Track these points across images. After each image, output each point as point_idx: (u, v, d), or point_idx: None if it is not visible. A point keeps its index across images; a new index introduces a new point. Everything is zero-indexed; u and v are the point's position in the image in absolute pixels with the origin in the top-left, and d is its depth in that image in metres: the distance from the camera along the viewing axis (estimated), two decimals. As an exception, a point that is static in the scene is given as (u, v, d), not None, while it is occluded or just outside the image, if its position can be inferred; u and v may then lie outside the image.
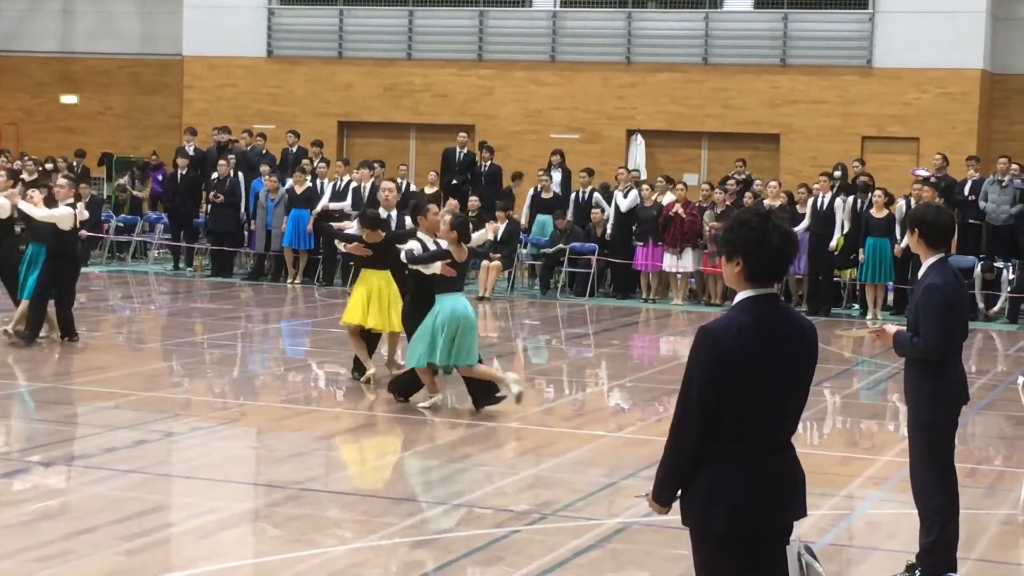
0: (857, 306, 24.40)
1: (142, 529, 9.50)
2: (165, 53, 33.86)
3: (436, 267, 13.96)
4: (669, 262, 24.76)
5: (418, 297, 14.41)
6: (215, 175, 26.91)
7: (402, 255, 14.33)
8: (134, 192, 31.04)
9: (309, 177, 26.34)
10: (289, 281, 25.93)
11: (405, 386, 14.66)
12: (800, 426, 13.85)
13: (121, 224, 29.60)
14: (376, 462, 11.98)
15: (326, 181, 26.18)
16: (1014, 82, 28.99)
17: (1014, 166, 25.04)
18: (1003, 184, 24.54)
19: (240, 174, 26.92)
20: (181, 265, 27.89)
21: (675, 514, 5.67)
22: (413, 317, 14.37)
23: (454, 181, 27.90)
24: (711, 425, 5.44)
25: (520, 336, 21.56)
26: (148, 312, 22.99)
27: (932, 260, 8.60)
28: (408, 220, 15.49)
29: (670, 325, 22.89)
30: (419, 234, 14.58)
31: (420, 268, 14.10)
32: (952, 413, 8.70)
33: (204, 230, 27.55)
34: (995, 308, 23.67)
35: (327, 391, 16.11)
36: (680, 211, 24.52)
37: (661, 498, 5.65)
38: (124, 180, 31.36)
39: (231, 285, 25.55)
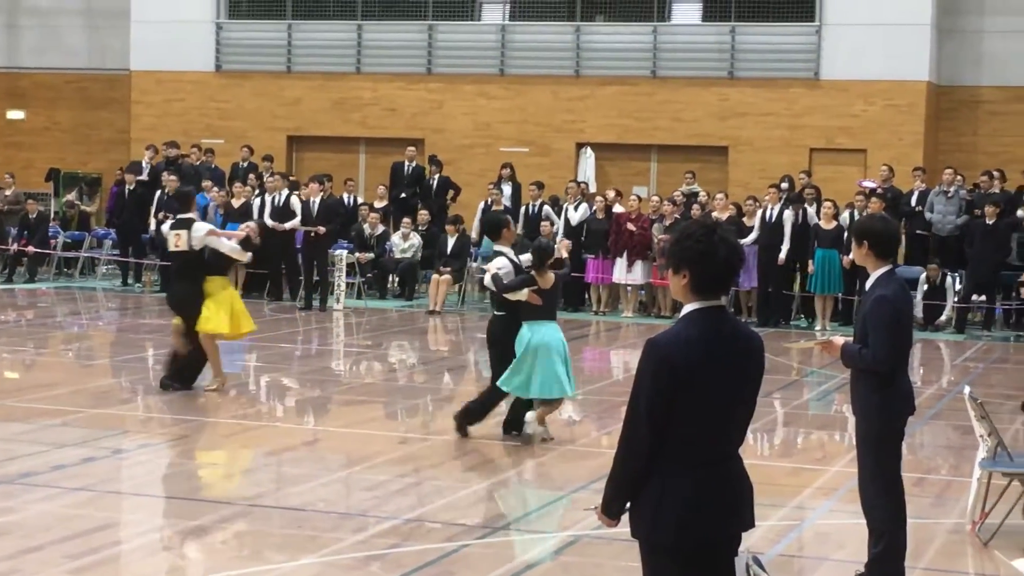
0: (804, 317, 24.48)
1: (90, 547, 9.43)
2: (113, 68, 33.70)
3: (523, 294, 13.26)
4: (619, 274, 24.80)
5: (506, 315, 13.60)
6: (159, 191, 26.76)
7: (487, 279, 13.61)
8: (83, 207, 30.86)
9: (257, 192, 26.25)
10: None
11: (474, 415, 13.84)
12: (750, 437, 13.97)
13: (69, 240, 29.42)
14: (326, 477, 11.94)
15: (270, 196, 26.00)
16: (959, 94, 29.22)
17: (959, 177, 25.24)
18: (949, 195, 24.71)
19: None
20: (130, 281, 27.75)
21: (625, 526, 5.68)
22: (501, 337, 13.61)
23: (403, 195, 27.88)
24: (659, 437, 5.46)
25: (471, 350, 21.53)
26: (96, 328, 22.85)
27: (880, 272, 8.65)
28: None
29: (620, 337, 22.93)
30: (499, 248, 13.76)
31: (504, 294, 13.33)
32: (899, 424, 8.75)
33: (152, 245, 27.41)
34: (941, 318, 23.81)
35: (276, 407, 16.05)
36: (631, 225, 24.56)
37: (610, 511, 5.66)
38: (72, 196, 31.17)
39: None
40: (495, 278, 13.34)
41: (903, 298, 8.76)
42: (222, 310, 15.76)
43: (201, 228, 15.92)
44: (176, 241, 15.85)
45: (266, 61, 31.97)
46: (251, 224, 17.62)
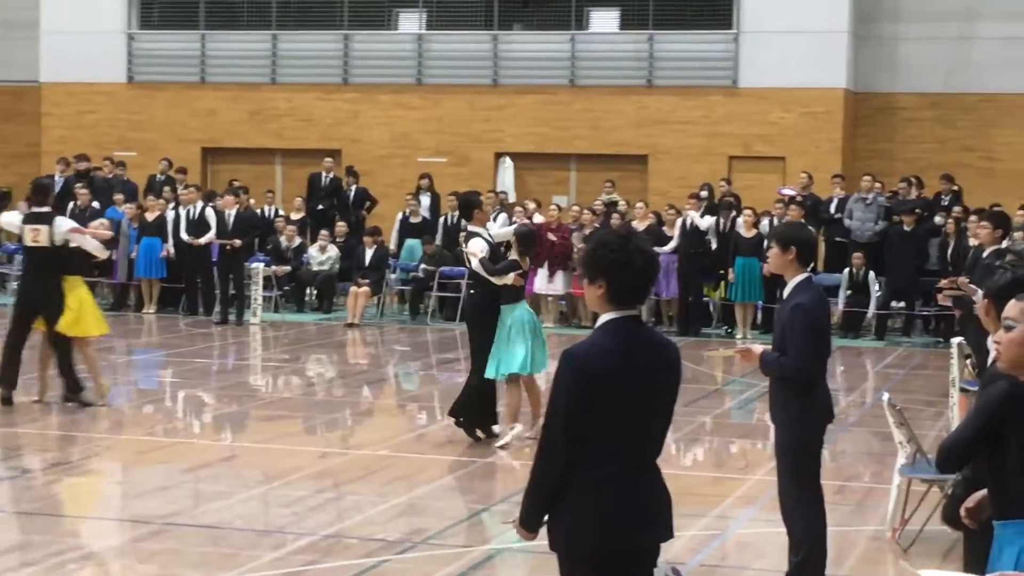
0: (724, 326, 24.62)
1: None
2: (21, 80, 33.33)
3: (509, 278, 13.73)
4: (540, 285, 24.83)
5: (481, 293, 14.07)
6: (73, 204, 26.48)
7: (474, 263, 13.89)
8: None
9: (172, 205, 26.06)
10: (145, 311, 25.62)
11: (473, 415, 14.17)
12: (671, 447, 14.04)
13: (-22, 256, 29.08)
14: (243, 494, 11.87)
15: (185, 209, 25.79)
16: (876, 100, 29.50)
17: (877, 184, 25.48)
18: (867, 202, 24.93)
19: (97, 203, 26.55)
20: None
21: (544, 539, 5.68)
22: (478, 315, 14.05)
23: (320, 207, 27.78)
24: (577, 448, 5.47)
25: (391, 362, 21.50)
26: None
27: (799, 279, 8.71)
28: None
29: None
30: (473, 228, 14.21)
31: (492, 278, 13.76)
32: (818, 432, 8.81)
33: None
34: (868, 313, 23.95)
35: (192, 422, 15.94)
36: (551, 235, 24.60)
37: (528, 524, 5.67)
38: (-19, 210, 30.82)
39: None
40: (483, 263, 13.72)
41: (821, 305, 8.83)
42: (85, 311, 15.49)
43: (64, 224, 15.51)
44: (34, 236, 15.31)
45: (179, 72, 31.76)
46: (103, 220, 17.51)
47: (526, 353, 13.76)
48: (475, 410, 14.22)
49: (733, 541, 10.90)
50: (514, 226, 15.57)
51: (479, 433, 14.20)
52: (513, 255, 13.97)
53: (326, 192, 28.10)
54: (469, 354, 14.48)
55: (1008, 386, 5.43)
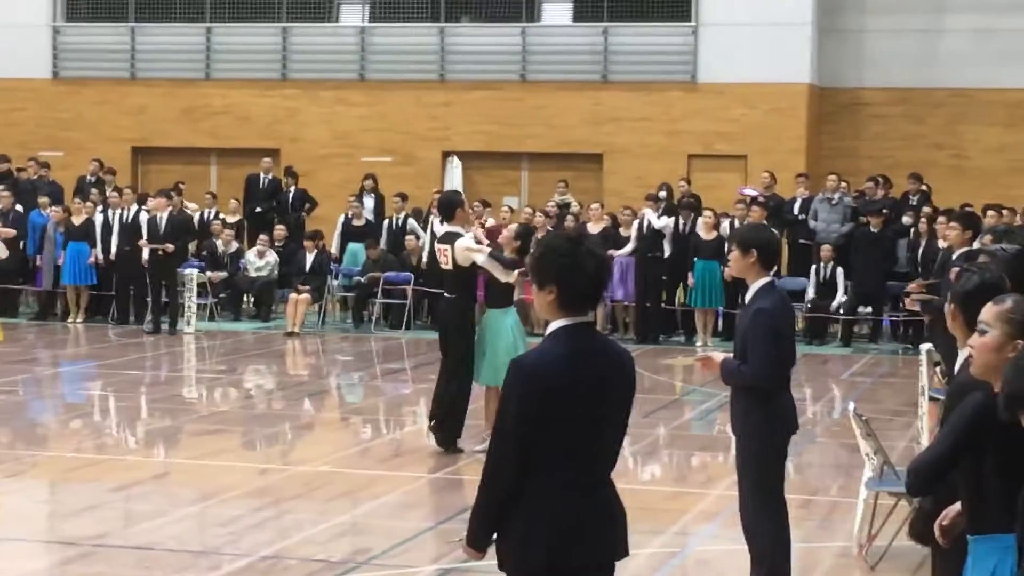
0: (684, 332, 24.68)
1: (-82, 595, 9.25)
2: (-60, 76, 33.09)
3: (513, 275, 13.88)
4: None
5: (459, 298, 14.27)
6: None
7: (479, 257, 13.94)
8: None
9: (100, 208, 25.92)
10: (71, 320, 25.49)
11: (451, 430, 14.27)
12: (628, 460, 14.06)
13: None
14: (177, 513, 11.82)
15: (115, 212, 25.65)
16: (842, 96, 29.65)
17: (843, 183, 25.61)
18: (833, 202, 25.06)
19: (20, 206, 26.40)
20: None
21: (493, 559, 5.68)
22: (456, 321, 14.20)
23: (258, 209, 27.71)
24: (527, 462, 5.48)
25: (333, 373, 21.46)
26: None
27: (761, 283, 8.74)
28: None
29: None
30: (454, 228, 14.36)
31: (497, 274, 13.90)
32: (782, 444, 8.84)
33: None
34: (834, 303, 24.04)
35: (123, 438, 15.86)
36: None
37: (476, 543, 5.66)
38: None
39: (15, 326, 25.03)
40: (494, 255, 13.90)
41: (784, 311, 8.87)
42: None
43: None
44: None
45: (108, 67, 31.61)
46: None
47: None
48: (456, 419, 14.23)
49: (693, 559, 10.93)
50: (475, 229, 15.78)
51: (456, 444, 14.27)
52: (508, 253, 14.16)
53: (264, 194, 28.02)
54: (446, 361, 14.39)
55: (983, 397, 5.45)
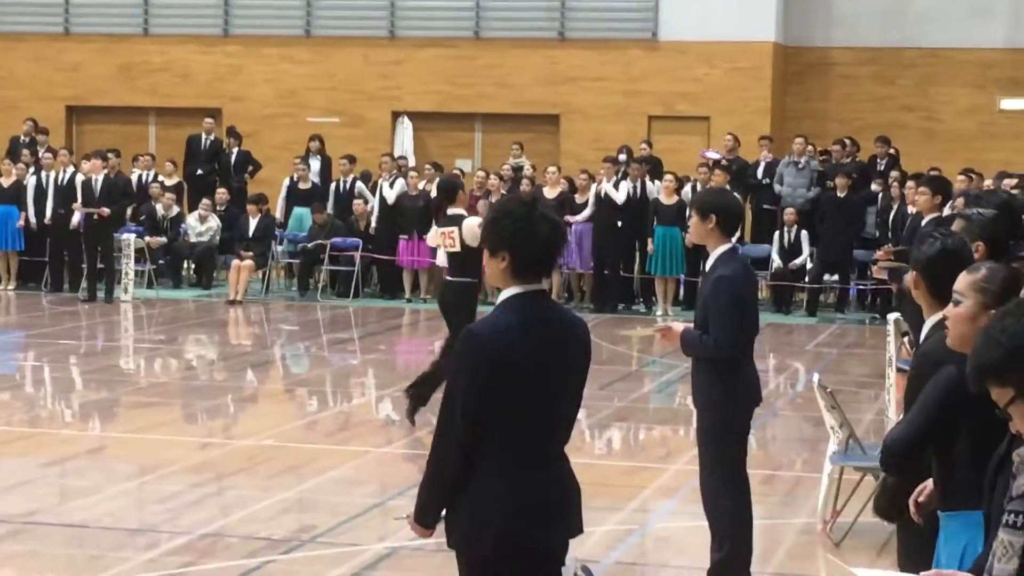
0: (643, 302, 24.72)
1: None
2: None
3: None
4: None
5: (463, 282, 14.55)
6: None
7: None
8: None
9: (32, 170, 25.74)
10: (2, 287, 25.33)
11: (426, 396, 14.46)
12: (584, 434, 14.11)
13: None
14: (113, 489, 11.80)
15: (50, 175, 25.47)
16: (808, 55, 29.69)
17: (810, 146, 25.65)
18: (799, 166, 25.11)
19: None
20: None
21: (442, 536, 5.69)
22: (457, 304, 14.44)
23: (199, 171, 27.58)
24: (477, 436, 5.48)
25: (277, 343, 21.42)
26: None
27: (722, 250, 8.75)
28: None
29: (443, 327, 22.87)
30: (456, 211, 14.72)
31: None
32: (744, 416, 8.87)
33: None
34: (796, 261, 24.12)
35: (56, 411, 15.80)
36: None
37: (424, 519, 5.67)
38: None
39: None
40: None
41: (746, 278, 8.88)
42: None
43: None
44: None
45: (40, 22, 31.36)
46: None
47: None
48: (430, 392, 14.32)
49: (652, 536, 10.98)
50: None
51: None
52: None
53: (205, 156, 27.89)
54: (451, 339, 14.44)
55: (956, 371, 5.47)
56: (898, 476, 5.82)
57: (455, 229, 14.38)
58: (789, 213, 24.30)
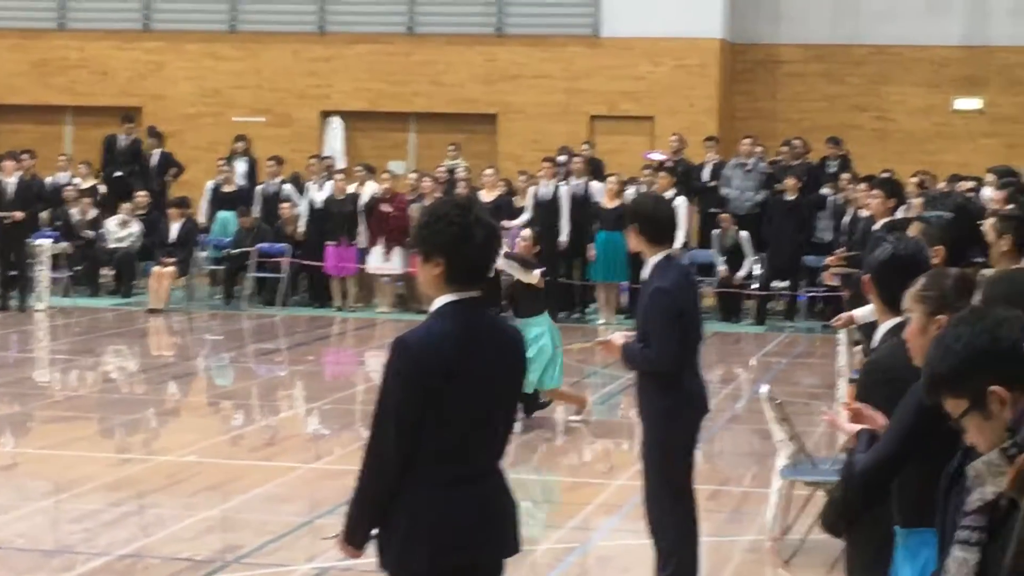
0: (581, 310, 24.74)
1: None
2: None
3: (535, 276, 14.75)
4: (373, 263, 24.79)
5: (491, 306, 14.83)
6: None
7: (500, 262, 14.55)
8: None
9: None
10: None
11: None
12: (522, 448, 14.07)
13: None
14: (26, 508, 11.72)
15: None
16: (756, 53, 29.82)
17: (758, 148, 25.75)
18: (747, 168, 25.21)
19: None
20: None
21: (372, 556, 5.67)
22: None
23: (118, 173, 27.45)
24: (410, 450, 5.47)
25: (201, 354, 21.35)
26: None
27: (656, 259, 8.75)
28: None
29: (375, 337, 22.93)
30: None
31: (516, 274, 14.71)
32: (690, 430, 8.89)
33: None
34: (740, 273, 24.21)
35: (-33, 426, 15.69)
36: (384, 206, 24.55)
37: (354, 539, 5.66)
38: None
39: None
40: (510, 255, 14.91)
41: (685, 287, 8.86)
42: None
43: None
44: None
45: (-50, 16, 31.18)
46: None
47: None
48: None
49: (593, 555, 10.98)
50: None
51: None
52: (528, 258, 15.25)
53: (124, 157, 27.77)
54: None
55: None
56: (842, 492, 5.81)
57: None
58: (724, 219, 24.29)
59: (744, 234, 24.24)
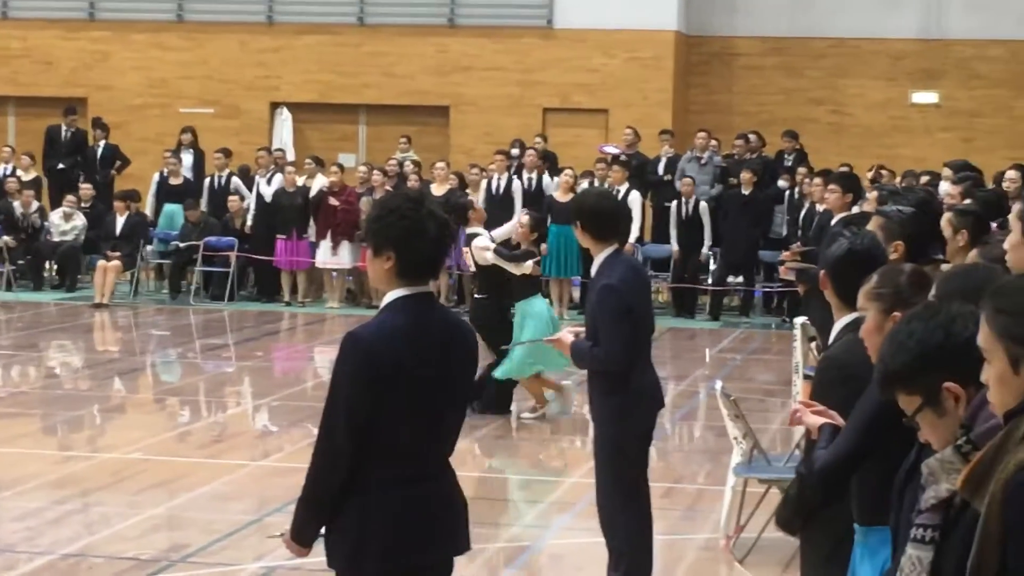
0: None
1: None
2: None
3: (527, 266, 15.03)
4: (322, 258, 24.75)
5: (493, 296, 15.45)
6: None
7: (489, 256, 15.27)
8: None
9: None
10: None
11: (493, 399, 15.53)
12: (474, 445, 14.10)
13: None
14: (-33, 507, 11.67)
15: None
16: (712, 45, 29.90)
17: (713, 141, 25.82)
18: (702, 162, 25.27)
19: None
20: None
21: (321, 555, 5.68)
22: (486, 321, 15.04)
23: (61, 165, 27.33)
24: (360, 447, 5.47)
25: (147, 349, 21.28)
26: None
27: (604, 255, 8.74)
28: None
29: (325, 332, 22.91)
30: (473, 230, 16.00)
31: (509, 267, 15.06)
32: (642, 428, 8.88)
33: None
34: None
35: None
36: (333, 199, 24.50)
37: (302, 537, 5.66)
38: None
39: None
40: (499, 252, 15.22)
41: (634, 282, 8.84)
42: None
43: None
44: None
45: None
46: None
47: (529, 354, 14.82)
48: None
49: (546, 553, 11.00)
50: (517, 219, 17.06)
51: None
52: (526, 245, 15.43)
53: (67, 148, 27.64)
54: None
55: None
56: (796, 489, 5.84)
57: (470, 249, 15.66)
58: (686, 183, 24.12)
59: (704, 205, 24.20)
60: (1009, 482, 3.56)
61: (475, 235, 15.79)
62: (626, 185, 23.41)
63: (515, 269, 15.11)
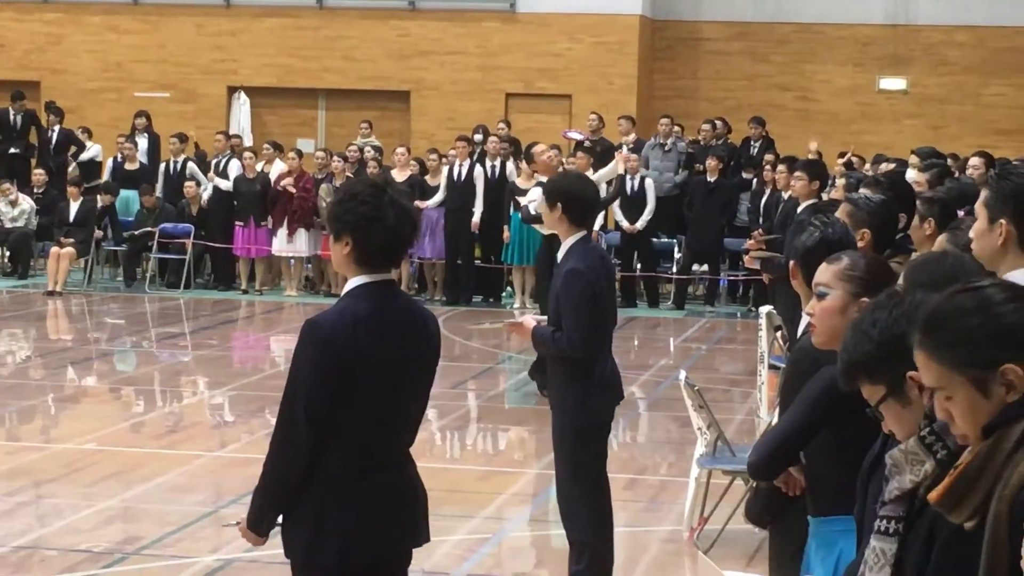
0: (483, 295, 24.75)
1: None
2: None
3: (545, 228, 14.94)
4: (279, 246, 24.71)
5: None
6: None
7: (521, 212, 15.60)
8: None
9: None
10: None
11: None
12: (435, 436, 14.13)
13: None
14: (-83, 498, 11.63)
15: None
16: (677, 30, 29.93)
17: (678, 127, 25.84)
18: (666, 148, 25.30)
19: None
20: None
21: (278, 546, 5.69)
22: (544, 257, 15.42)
23: (13, 150, 27.22)
24: (319, 436, 5.48)
25: (101, 338, 21.23)
26: None
27: (573, 240, 8.76)
28: None
29: (282, 320, 22.89)
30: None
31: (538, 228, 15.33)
32: (603, 418, 8.89)
33: None
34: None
35: None
36: (290, 185, 24.45)
37: (259, 526, 5.66)
38: None
39: None
40: (524, 211, 15.67)
41: (600, 270, 8.86)
42: None
43: None
44: None
45: None
46: None
47: None
48: None
49: (506, 546, 11.02)
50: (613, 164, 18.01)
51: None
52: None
53: (19, 133, 27.54)
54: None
55: (836, 371, 5.52)
56: (765, 481, 5.88)
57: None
58: (631, 158, 24.03)
59: (649, 181, 24.20)
60: (1017, 499, 3.51)
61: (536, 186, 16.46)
62: (590, 172, 23.40)
63: (542, 229, 15.20)
